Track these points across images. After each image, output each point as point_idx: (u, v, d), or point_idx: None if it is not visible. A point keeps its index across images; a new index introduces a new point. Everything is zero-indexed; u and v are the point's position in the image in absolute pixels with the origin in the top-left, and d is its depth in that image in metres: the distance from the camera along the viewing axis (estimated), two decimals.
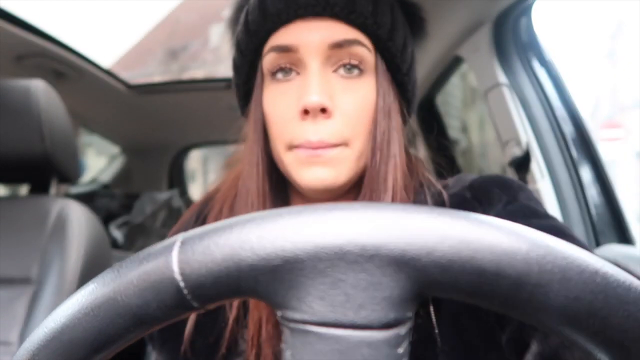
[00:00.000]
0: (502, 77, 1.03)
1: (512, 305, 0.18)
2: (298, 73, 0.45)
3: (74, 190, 2.63)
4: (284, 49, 0.44)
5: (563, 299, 0.18)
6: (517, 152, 1.02)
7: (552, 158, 0.99)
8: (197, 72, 15.44)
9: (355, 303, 0.18)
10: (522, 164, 1.03)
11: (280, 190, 0.50)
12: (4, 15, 1.30)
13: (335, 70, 0.45)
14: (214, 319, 0.49)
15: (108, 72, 1.97)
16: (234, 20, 0.52)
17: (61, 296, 0.88)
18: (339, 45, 0.44)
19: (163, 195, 2.86)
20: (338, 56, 0.44)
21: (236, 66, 0.50)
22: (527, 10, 0.99)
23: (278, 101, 0.45)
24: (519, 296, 0.18)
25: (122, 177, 3.02)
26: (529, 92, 1.02)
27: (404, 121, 0.50)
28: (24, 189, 1.18)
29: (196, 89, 2.32)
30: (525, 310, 0.18)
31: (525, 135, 1.00)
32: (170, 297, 0.19)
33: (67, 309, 0.20)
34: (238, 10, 0.51)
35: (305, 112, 0.42)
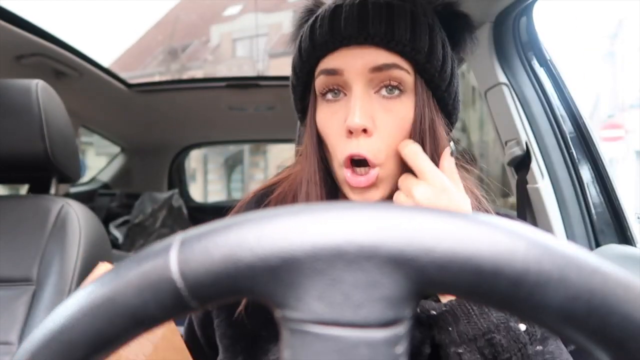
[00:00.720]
0: (502, 77, 1.03)
1: (511, 304, 0.18)
2: (345, 94, 0.52)
3: (74, 189, 2.63)
4: (331, 72, 0.51)
5: (562, 298, 0.18)
6: (517, 151, 1.02)
7: (552, 158, 0.99)
8: (197, 72, 15.44)
9: (353, 302, 0.18)
10: (522, 163, 1.03)
11: (334, 194, 0.56)
12: (4, 15, 1.30)
13: (377, 91, 0.50)
14: None
15: (108, 72, 1.97)
16: (294, 35, 0.59)
17: (61, 296, 0.88)
18: (379, 69, 0.49)
19: (163, 194, 2.86)
20: (379, 78, 0.50)
21: (293, 86, 0.58)
22: (527, 10, 0.99)
23: (329, 120, 0.52)
24: (518, 295, 0.18)
25: (122, 176, 3.02)
26: (529, 92, 1.02)
27: (447, 132, 0.54)
28: (24, 189, 1.18)
29: (196, 88, 2.32)
30: (524, 309, 0.18)
31: (525, 134, 1.00)
32: (169, 297, 0.19)
33: (66, 310, 0.20)
34: (299, 27, 0.59)
35: (350, 131, 0.49)
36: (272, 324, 0.53)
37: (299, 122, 0.86)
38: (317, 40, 0.51)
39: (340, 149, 0.50)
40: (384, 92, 0.50)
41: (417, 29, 0.50)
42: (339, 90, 0.52)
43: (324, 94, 0.52)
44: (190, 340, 0.64)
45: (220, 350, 0.57)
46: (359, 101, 0.49)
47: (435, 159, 0.50)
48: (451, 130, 0.56)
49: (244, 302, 0.54)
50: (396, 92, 0.50)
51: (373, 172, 0.50)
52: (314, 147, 0.54)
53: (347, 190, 0.52)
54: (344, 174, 0.51)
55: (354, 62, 0.49)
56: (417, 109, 0.50)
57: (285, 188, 0.59)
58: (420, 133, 0.50)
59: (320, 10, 0.54)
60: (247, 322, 0.54)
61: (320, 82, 0.52)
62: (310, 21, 0.53)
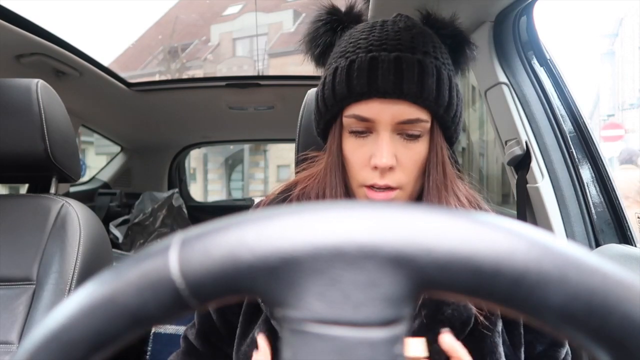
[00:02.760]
0: (502, 76, 1.03)
1: (511, 303, 0.18)
2: (371, 132, 0.59)
3: (74, 189, 2.63)
4: (363, 119, 0.57)
5: (562, 298, 0.18)
6: (517, 151, 1.02)
7: (552, 157, 0.98)
8: (198, 72, 15.43)
9: (353, 301, 0.18)
10: (522, 163, 1.03)
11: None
12: (4, 14, 1.30)
13: (399, 134, 0.58)
14: None
15: (108, 71, 1.97)
16: (312, 46, 0.66)
17: (61, 295, 0.88)
18: (406, 122, 0.57)
19: (163, 194, 2.86)
20: (403, 128, 0.58)
21: (319, 112, 0.63)
22: (527, 9, 0.99)
23: (356, 151, 0.59)
24: (518, 295, 0.18)
25: (122, 176, 3.02)
26: (529, 91, 1.02)
27: (450, 157, 0.63)
28: (24, 189, 1.18)
29: (196, 88, 2.31)
30: (524, 309, 0.18)
31: (525, 134, 1.00)
32: (169, 296, 0.19)
33: (65, 309, 0.20)
34: (318, 36, 0.65)
35: (375, 167, 0.57)
36: None
37: (299, 125, 0.89)
38: (353, 89, 0.57)
39: (364, 176, 0.59)
40: (405, 135, 0.58)
41: (441, 87, 0.57)
42: (365, 130, 0.59)
43: (352, 131, 0.59)
44: (201, 320, 0.72)
45: (240, 323, 0.65)
46: (387, 145, 0.57)
47: (442, 190, 0.60)
48: (452, 151, 0.65)
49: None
50: (416, 136, 0.58)
51: (392, 193, 0.58)
52: (339, 167, 0.61)
53: None
54: (362, 191, 0.59)
55: (385, 114, 0.56)
56: (431, 150, 0.59)
57: (308, 187, 0.66)
58: (434, 167, 0.59)
59: (355, 56, 0.58)
60: None
61: (350, 122, 0.59)
62: (345, 63, 0.58)
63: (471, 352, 0.55)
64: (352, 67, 0.57)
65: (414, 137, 0.58)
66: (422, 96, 0.56)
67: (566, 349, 0.64)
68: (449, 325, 0.56)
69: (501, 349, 0.58)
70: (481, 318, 0.57)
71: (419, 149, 0.59)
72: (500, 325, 0.59)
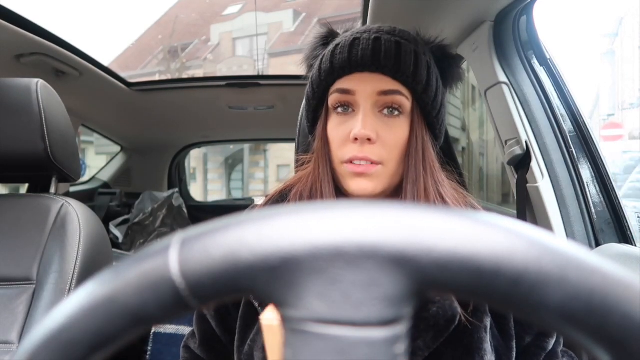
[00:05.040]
0: (502, 76, 1.02)
1: (511, 303, 0.18)
2: (353, 110, 0.61)
3: (74, 189, 2.63)
4: (345, 92, 0.61)
5: (561, 298, 0.18)
6: (517, 151, 1.02)
7: (552, 157, 0.98)
8: (198, 71, 15.43)
9: (353, 301, 0.18)
10: (522, 163, 1.03)
11: (341, 192, 0.65)
12: (4, 14, 1.30)
13: (380, 111, 0.61)
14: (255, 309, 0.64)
15: (108, 71, 1.97)
16: (308, 57, 0.71)
17: (61, 295, 0.88)
18: (385, 93, 0.60)
19: (163, 194, 2.86)
20: (384, 101, 0.60)
21: (308, 98, 0.67)
22: (527, 9, 0.99)
23: (338, 128, 0.62)
24: (518, 295, 0.18)
25: (122, 175, 3.02)
26: (529, 91, 1.02)
27: (434, 150, 0.65)
28: (24, 188, 1.18)
29: (196, 87, 2.31)
30: (524, 309, 0.18)
31: (525, 134, 1.00)
32: (169, 296, 0.19)
33: (65, 309, 0.20)
34: (313, 50, 0.70)
35: (356, 139, 0.59)
36: None
37: (299, 125, 0.90)
38: (336, 65, 0.61)
39: (345, 151, 0.60)
40: (385, 112, 0.61)
41: (419, 65, 0.60)
42: (348, 106, 0.62)
43: (335, 108, 0.62)
44: (202, 329, 0.72)
45: (238, 328, 0.66)
46: (366, 116, 0.59)
47: (421, 171, 0.61)
48: (437, 148, 0.66)
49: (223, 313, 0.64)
50: (396, 113, 0.61)
51: (373, 167, 0.59)
52: (325, 150, 0.63)
53: (346, 181, 0.61)
54: (344, 168, 0.60)
55: (365, 85, 0.60)
56: (412, 130, 0.61)
57: (300, 188, 0.67)
58: (414, 149, 0.61)
59: (340, 40, 0.63)
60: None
61: (334, 98, 0.62)
62: (332, 47, 0.63)
63: (456, 348, 0.56)
64: (336, 48, 0.62)
65: (394, 114, 0.60)
66: (400, 70, 0.59)
67: (554, 340, 0.65)
68: (434, 322, 0.57)
69: (487, 345, 0.58)
70: (466, 316, 0.57)
71: (400, 129, 0.61)
72: (488, 321, 0.60)
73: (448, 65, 0.67)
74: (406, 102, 0.60)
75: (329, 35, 0.70)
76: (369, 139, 0.58)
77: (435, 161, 0.64)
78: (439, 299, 0.58)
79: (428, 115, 0.62)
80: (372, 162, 0.59)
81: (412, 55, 0.60)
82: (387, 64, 0.59)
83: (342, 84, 0.61)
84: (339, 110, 0.62)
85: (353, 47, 0.60)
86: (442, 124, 0.65)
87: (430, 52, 0.65)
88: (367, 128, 0.58)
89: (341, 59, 0.60)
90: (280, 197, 0.70)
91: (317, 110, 0.66)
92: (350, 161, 0.60)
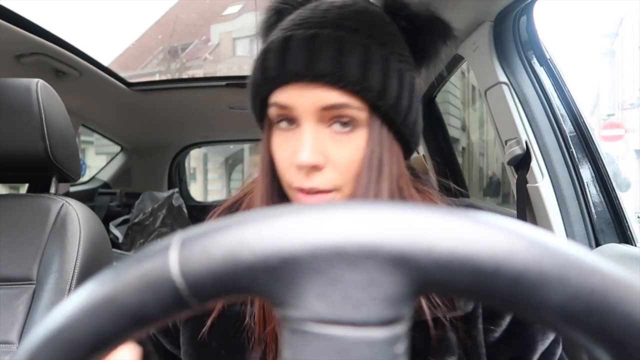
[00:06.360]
0: (502, 76, 1.02)
1: (511, 303, 0.18)
2: (298, 125, 0.50)
3: (74, 189, 2.63)
4: (282, 107, 0.50)
5: (562, 298, 0.18)
6: (517, 151, 1.02)
7: (552, 157, 0.98)
8: (198, 71, 15.43)
9: (353, 301, 0.18)
10: (522, 162, 1.03)
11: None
12: (4, 14, 1.30)
13: (330, 125, 0.50)
14: (237, 313, 0.55)
15: (108, 71, 1.97)
16: (259, 36, 0.59)
17: (61, 295, 0.88)
18: (329, 109, 0.48)
19: (163, 194, 2.86)
20: (330, 114, 0.49)
21: (251, 107, 0.56)
22: (527, 9, 0.99)
23: (282, 147, 0.52)
24: (518, 295, 0.18)
25: (122, 175, 3.02)
26: (529, 91, 1.02)
27: (405, 160, 0.55)
28: (24, 188, 1.18)
29: (196, 87, 2.31)
30: (524, 309, 0.18)
31: (525, 134, 1.00)
32: (169, 296, 0.19)
33: (65, 309, 0.20)
34: (265, 29, 0.58)
35: (299, 166, 0.49)
36: (231, 342, 0.55)
37: None
38: (268, 74, 0.50)
39: (290, 177, 0.51)
40: (336, 127, 0.50)
41: (369, 66, 0.48)
42: (292, 120, 0.51)
43: (278, 122, 0.52)
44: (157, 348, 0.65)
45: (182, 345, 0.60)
46: (309, 137, 0.49)
47: (375, 189, 0.50)
48: (409, 156, 0.57)
49: (209, 322, 0.55)
50: (348, 127, 0.50)
51: (326, 196, 0.50)
52: (267, 168, 0.54)
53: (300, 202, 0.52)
54: (294, 194, 0.51)
55: (304, 99, 0.48)
56: (369, 144, 0.50)
57: (250, 201, 0.59)
58: (368, 167, 0.50)
59: (271, 39, 0.51)
60: (209, 342, 0.56)
61: (272, 112, 0.51)
62: (263, 48, 0.51)
63: None
64: (268, 50, 0.50)
65: (346, 128, 0.50)
66: (343, 78, 0.47)
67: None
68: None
69: None
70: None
71: (355, 145, 0.50)
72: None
73: (429, 34, 0.54)
74: (359, 113, 0.49)
75: (282, 11, 0.56)
76: (315, 167, 0.49)
77: (403, 175, 0.53)
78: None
79: (392, 122, 0.51)
80: (322, 192, 0.50)
81: (359, 53, 0.48)
82: (325, 71, 0.47)
83: (278, 96, 0.50)
84: (282, 125, 0.52)
85: (285, 49, 0.48)
86: (413, 128, 0.54)
87: (401, 22, 0.53)
88: (312, 153, 0.48)
89: (272, 66, 0.49)
90: (231, 210, 0.62)
91: (261, 121, 0.56)
92: (300, 190, 0.50)
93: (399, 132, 0.52)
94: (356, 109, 0.49)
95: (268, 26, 0.58)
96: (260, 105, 0.53)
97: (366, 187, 0.50)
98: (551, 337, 0.57)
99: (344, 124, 0.49)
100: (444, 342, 0.53)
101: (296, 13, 0.53)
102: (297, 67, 0.48)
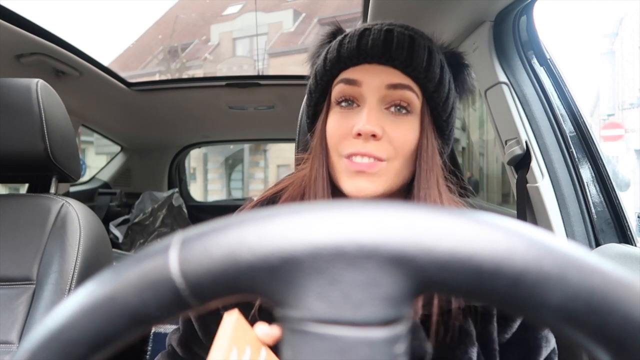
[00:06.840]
0: (502, 76, 1.02)
1: (511, 303, 0.18)
2: (358, 105, 0.56)
3: (74, 189, 2.63)
4: (351, 82, 0.56)
5: (561, 297, 0.18)
6: (517, 151, 1.02)
7: (552, 157, 0.98)
8: (198, 71, 15.43)
9: (353, 301, 0.18)
10: (522, 162, 1.03)
11: (338, 192, 0.59)
12: (4, 14, 1.30)
13: (387, 108, 0.56)
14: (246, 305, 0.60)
15: (108, 71, 1.96)
16: (314, 55, 0.66)
17: (61, 295, 0.88)
18: (394, 87, 0.55)
19: (163, 194, 2.86)
20: (392, 96, 0.55)
21: (310, 91, 0.63)
22: (527, 9, 0.99)
23: (339, 123, 0.56)
24: (518, 295, 0.18)
25: (122, 175, 3.02)
26: (529, 91, 1.02)
27: (441, 156, 0.60)
28: (24, 188, 1.18)
29: (196, 87, 2.31)
30: (524, 309, 0.18)
31: (525, 134, 1.00)
32: (169, 296, 0.19)
33: (65, 309, 0.20)
34: (319, 47, 0.65)
35: (359, 134, 0.53)
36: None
37: (299, 125, 0.89)
38: (343, 54, 0.56)
39: (345, 144, 0.55)
40: (392, 109, 0.56)
41: (432, 62, 0.55)
42: (352, 100, 0.57)
43: (339, 102, 0.57)
44: (185, 327, 0.67)
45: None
46: (372, 110, 0.54)
47: (429, 177, 0.55)
48: (444, 155, 0.61)
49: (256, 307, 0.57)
50: (404, 111, 0.56)
51: (377, 164, 0.54)
52: (323, 147, 0.58)
53: (343, 179, 0.56)
54: (343, 163, 0.55)
55: (373, 77, 0.55)
56: (422, 130, 0.56)
57: (292, 192, 0.62)
58: (425, 151, 0.56)
59: (349, 30, 0.59)
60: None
61: (338, 89, 0.57)
62: (340, 37, 0.59)
63: None
64: (345, 38, 0.58)
65: (402, 112, 0.55)
66: (412, 64, 0.54)
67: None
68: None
69: None
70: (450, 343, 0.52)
71: (409, 128, 0.55)
72: (474, 352, 0.54)
73: (460, 72, 0.62)
74: (416, 100, 0.55)
75: (337, 32, 0.64)
76: (373, 135, 0.53)
77: (441, 170, 0.58)
78: (413, 336, 0.51)
79: (438, 117, 0.57)
80: (376, 159, 0.54)
81: (425, 51, 0.55)
82: (398, 55, 0.54)
83: (348, 74, 0.56)
84: (342, 104, 0.57)
85: (363, 37, 0.56)
86: (451, 129, 0.60)
87: (443, 55, 0.60)
88: (372, 123, 0.53)
89: (349, 47, 0.56)
90: (271, 201, 0.65)
91: (319, 104, 0.61)
92: (351, 157, 0.54)
93: (441, 129, 0.59)
94: (415, 94, 0.55)
95: (321, 44, 0.65)
96: (325, 87, 0.59)
97: (427, 170, 0.55)
98: (552, 345, 0.58)
99: (401, 108, 0.55)
100: (465, 333, 0.54)
101: (358, 25, 0.60)
102: (374, 50, 0.55)
